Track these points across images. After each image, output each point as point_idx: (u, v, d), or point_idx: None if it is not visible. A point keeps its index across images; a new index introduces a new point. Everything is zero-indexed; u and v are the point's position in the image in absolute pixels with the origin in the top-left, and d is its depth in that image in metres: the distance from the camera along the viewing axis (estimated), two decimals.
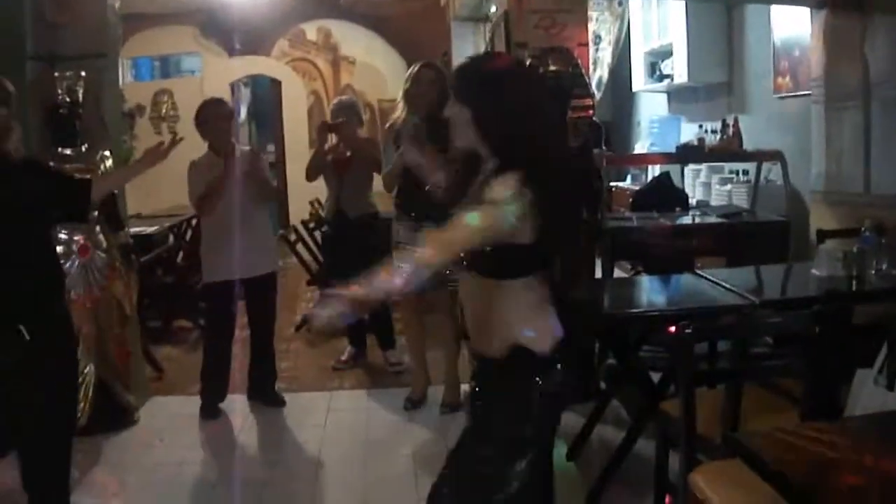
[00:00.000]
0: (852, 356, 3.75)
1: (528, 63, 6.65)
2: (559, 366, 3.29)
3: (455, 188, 3.37)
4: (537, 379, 3.24)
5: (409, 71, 6.53)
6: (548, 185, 3.08)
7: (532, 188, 3.02)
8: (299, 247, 10.35)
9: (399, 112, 6.47)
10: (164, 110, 14.66)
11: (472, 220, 3.02)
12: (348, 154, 7.53)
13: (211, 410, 6.81)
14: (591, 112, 6.83)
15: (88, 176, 4.48)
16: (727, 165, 8.65)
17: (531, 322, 3.24)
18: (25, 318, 3.96)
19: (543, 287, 3.28)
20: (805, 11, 7.05)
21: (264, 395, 6.99)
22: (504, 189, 3.01)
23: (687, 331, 3.70)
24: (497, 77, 3.23)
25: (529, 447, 3.29)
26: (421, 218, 6.01)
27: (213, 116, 6.55)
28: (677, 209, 7.89)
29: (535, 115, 3.22)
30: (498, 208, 2.99)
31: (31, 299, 4.04)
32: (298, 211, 12.37)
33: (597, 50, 10.30)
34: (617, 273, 7.53)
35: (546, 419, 3.37)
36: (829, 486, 2.41)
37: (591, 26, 9.70)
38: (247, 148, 7.01)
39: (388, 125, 6.67)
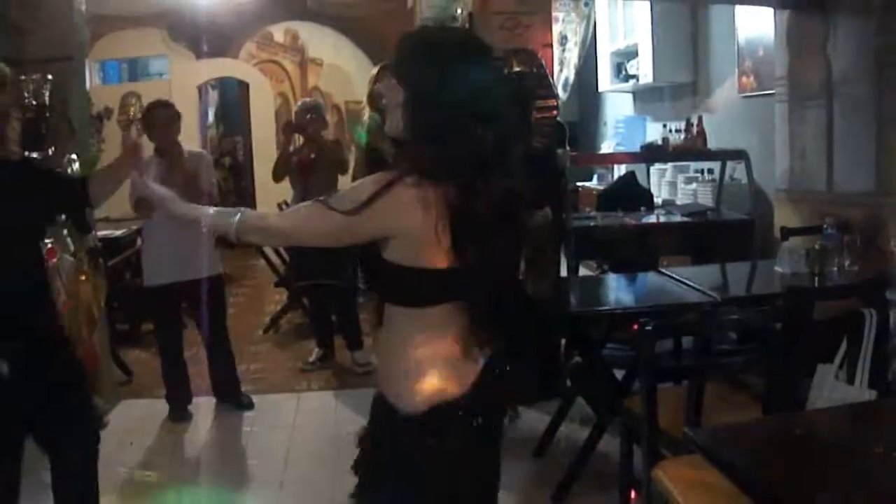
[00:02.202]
0: (814, 351, 3.79)
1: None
2: (477, 419, 2.74)
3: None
4: (447, 436, 2.71)
5: (371, 72, 6.57)
6: (474, 199, 2.58)
7: (452, 202, 2.56)
8: (267, 249, 10.35)
9: (365, 115, 6.51)
10: (132, 113, 14.58)
11: (305, 209, 2.77)
12: (312, 156, 7.55)
13: (179, 413, 6.82)
14: (555, 113, 6.86)
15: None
16: (692, 165, 8.70)
17: (442, 365, 2.71)
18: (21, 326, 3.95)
19: (462, 319, 2.71)
20: (769, 12, 7.10)
21: (229, 397, 7.00)
22: (360, 187, 2.65)
23: (648, 328, 3.74)
24: (443, 52, 2.73)
25: None
26: None
27: (159, 119, 6.56)
28: (642, 208, 7.93)
29: (484, 104, 2.66)
30: (335, 204, 2.63)
31: (27, 304, 4.00)
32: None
33: (563, 51, 10.33)
34: (582, 272, 7.57)
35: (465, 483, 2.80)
36: (790, 480, 2.44)
37: (558, 27, 9.74)
38: (194, 150, 6.98)
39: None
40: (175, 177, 6.30)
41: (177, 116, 6.71)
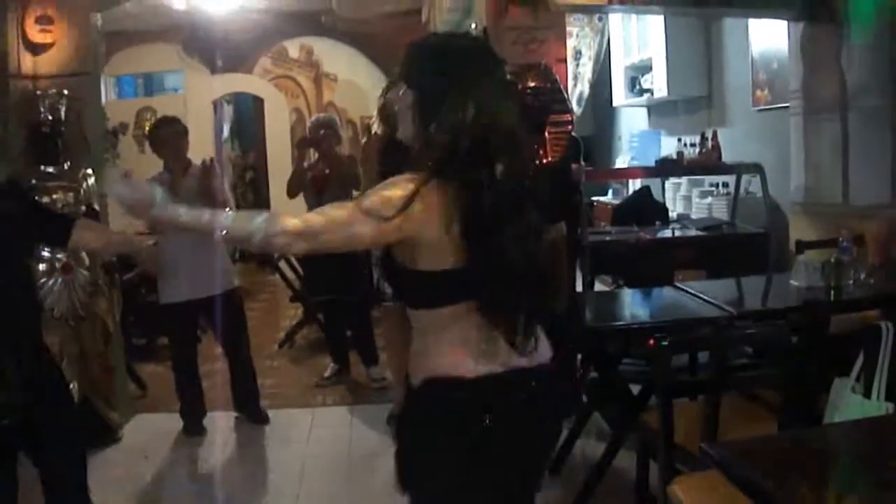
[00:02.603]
0: (830, 365, 3.77)
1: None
2: (485, 410, 2.79)
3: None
4: (453, 418, 2.81)
5: (384, 88, 6.56)
6: (483, 202, 2.65)
7: (461, 202, 2.64)
8: (282, 263, 10.36)
9: (375, 128, 6.51)
10: (147, 128, 14.60)
11: (340, 212, 2.72)
12: (327, 171, 7.56)
13: (193, 427, 6.84)
14: (569, 127, 6.86)
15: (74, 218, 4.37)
16: (707, 178, 8.67)
17: (449, 356, 2.80)
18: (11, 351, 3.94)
19: (473, 318, 2.77)
20: (782, 24, 7.08)
21: (248, 411, 7.01)
22: (392, 191, 2.67)
23: (663, 343, 3.72)
24: (454, 54, 2.86)
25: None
26: None
27: (165, 135, 6.58)
28: (657, 223, 7.91)
29: (491, 109, 2.74)
30: (370, 210, 2.65)
31: (15, 329, 4.00)
32: None
33: (577, 65, 10.31)
34: (598, 287, 7.55)
35: (472, 468, 2.82)
36: (807, 495, 2.43)
37: (572, 42, 9.72)
38: (202, 162, 7.00)
39: (364, 141, 6.69)
40: (187, 193, 6.32)
41: (184, 132, 6.73)
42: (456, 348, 2.79)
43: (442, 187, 2.64)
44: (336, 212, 2.74)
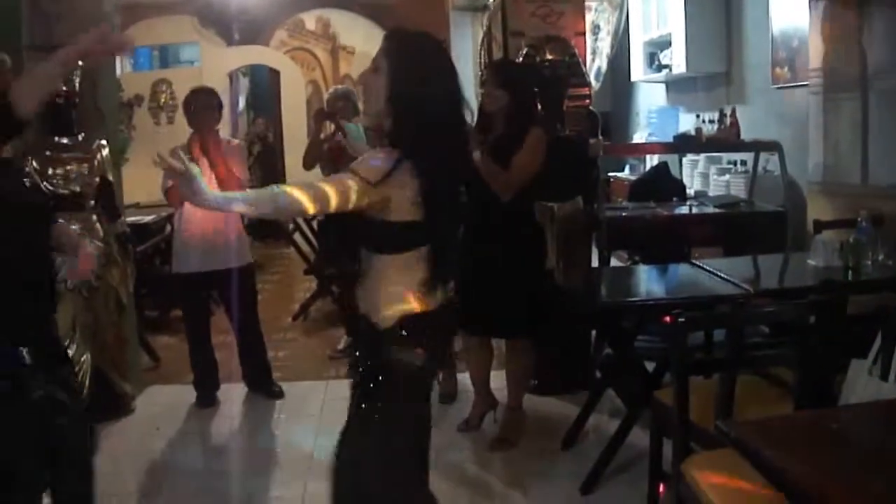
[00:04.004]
0: (847, 346, 3.75)
1: (524, 52, 6.66)
2: (418, 348, 3.37)
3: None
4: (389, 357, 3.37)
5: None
6: (435, 167, 3.24)
7: (418, 167, 3.19)
8: (296, 236, 10.36)
9: None
10: (162, 100, 14.60)
11: (325, 183, 3.19)
12: (343, 143, 7.53)
13: (206, 399, 6.84)
14: (587, 101, 6.83)
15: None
16: (725, 156, 8.63)
17: (381, 298, 3.37)
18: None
19: (421, 266, 3.34)
20: (803, 2, 7.03)
21: (260, 386, 7.00)
22: (370, 160, 3.23)
23: (680, 320, 3.70)
24: (428, 45, 3.45)
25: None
26: None
27: (201, 106, 6.57)
28: (675, 199, 7.87)
29: (447, 93, 3.36)
30: (351, 178, 3.15)
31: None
32: None
33: (595, 40, 10.29)
34: (614, 262, 7.52)
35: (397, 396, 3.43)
36: (823, 476, 2.40)
37: (590, 16, 9.69)
38: (230, 140, 6.97)
39: None
40: (212, 166, 6.33)
41: (218, 105, 6.72)
42: (413, 290, 3.33)
43: (410, 161, 3.20)
44: (337, 175, 3.28)
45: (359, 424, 3.53)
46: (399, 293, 3.34)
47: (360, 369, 3.49)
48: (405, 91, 3.27)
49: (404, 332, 3.34)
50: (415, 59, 3.35)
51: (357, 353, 3.57)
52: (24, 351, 3.59)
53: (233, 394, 6.97)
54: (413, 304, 3.34)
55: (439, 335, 3.57)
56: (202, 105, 6.60)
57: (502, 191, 5.35)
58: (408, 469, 3.59)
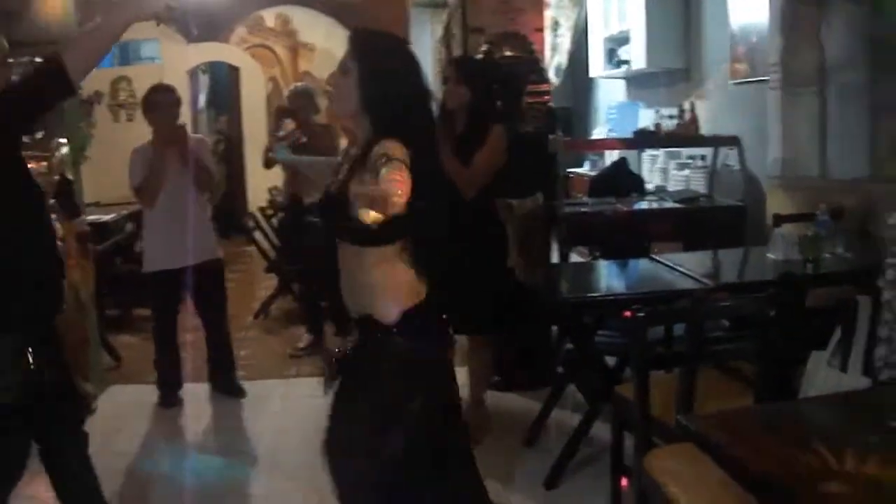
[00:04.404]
0: (807, 339, 3.77)
1: (483, 48, 6.67)
2: (403, 336, 3.35)
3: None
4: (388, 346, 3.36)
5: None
6: (422, 156, 3.20)
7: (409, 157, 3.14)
8: (257, 234, 10.33)
9: None
10: (122, 97, 14.49)
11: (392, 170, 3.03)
12: (304, 140, 7.52)
13: (168, 399, 6.82)
14: (546, 98, 6.85)
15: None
16: (684, 151, 8.65)
17: (380, 293, 3.36)
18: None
19: (405, 257, 3.35)
20: None
21: (223, 384, 6.98)
22: (395, 147, 3.11)
23: (640, 315, 3.71)
24: (395, 44, 3.52)
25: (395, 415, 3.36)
26: None
27: (158, 103, 6.54)
28: (634, 194, 7.89)
29: (418, 88, 3.43)
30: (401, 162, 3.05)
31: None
32: (256, 198, 12.37)
33: (555, 36, 10.29)
34: (574, 258, 7.54)
35: (405, 387, 3.38)
36: (782, 468, 2.42)
37: (550, 12, 9.70)
38: (192, 135, 6.97)
39: None
40: (182, 162, 6.33)
41: (178, 101, 6.71)
42: (404, 281, 3.35)
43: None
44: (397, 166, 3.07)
45: (388, 423, 3.39)
46: (399, 284, 3.35)
47: (364, 368, 3.46)
48: (379, 91, 3.31)
49: (414, 323, 3.35)
50: (384, 58, 3.39)
51: (356, 353, 3.51)
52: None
53: (195, 393, 6.96)
54: (414, 295, 3.37)
55: (441, 319, 3.55)
56: (163, 102, 6.57)
57: (465, 188, 5.36)
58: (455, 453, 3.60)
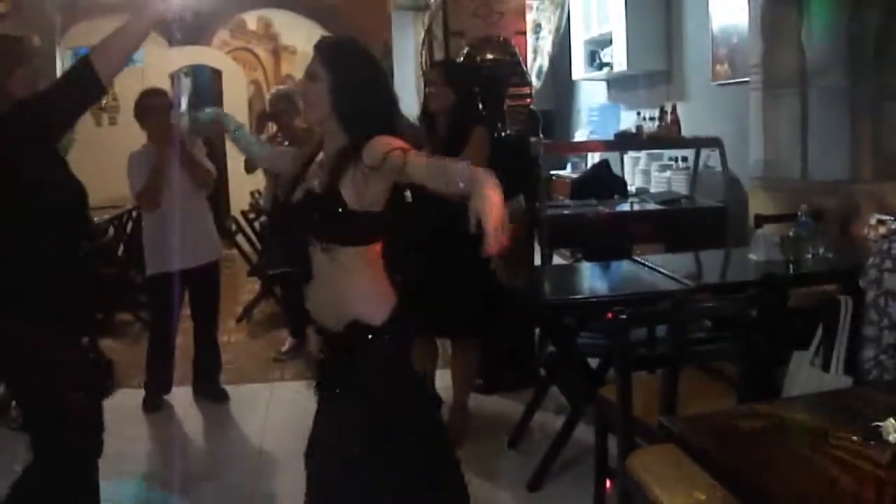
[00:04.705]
0: (789, 339, 3.78)
1: (465, 51, 6.67)
2: (389, 336, 3.40)
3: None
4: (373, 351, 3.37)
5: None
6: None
7: None
8: (239, 237, 10.31)
9: None
10: (105, 101, 14.46)
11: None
12: (286, 144, 7.52)
13: (154, 403, 6.80)
14: (528, 101, 6.85)
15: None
16: (666, 153, 8.68)
17: (367, 295, 3.39)
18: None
19: (380, 258, 3.43)
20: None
21: (208, 387, 6.96)
22: (391, 139, 3.18)
23: (622, 316, 3.72)
24: (360, 50, 3.50)
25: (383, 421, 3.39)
26: None
27: (152, 107, 6.55)
28: (616, 196, 7.90)
29: (388, 95, 3.52)
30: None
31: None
32: (239, 201, 12.36)
33: (537, 39, 10.29)
34: (556, 260, 7.55)
35: (390, 392, 3.46)
36: (765, 468, 2.42)
37: (532, 15, 9.70)
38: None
39: None
40: (185, 164, 6.36)
41: (171, 104, 6.73)
42: (368, 292, 3.39)
43: None
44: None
45: (379, 422, 3.42)
46: (382, 285, 3.43)
47: (351, 371, 3.46)
48: (352, 98, 3.35)
49: (396, 323, 3.41)
50: (351, 63, 3.43)
51: (340, 359, 3.49)
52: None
53: (178, 397, 6.94)
54: (392, 295, 3.44)
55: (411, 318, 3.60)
56: (158, 106, 6.59)
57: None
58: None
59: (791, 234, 5.38)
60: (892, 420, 2.50)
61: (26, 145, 3.60)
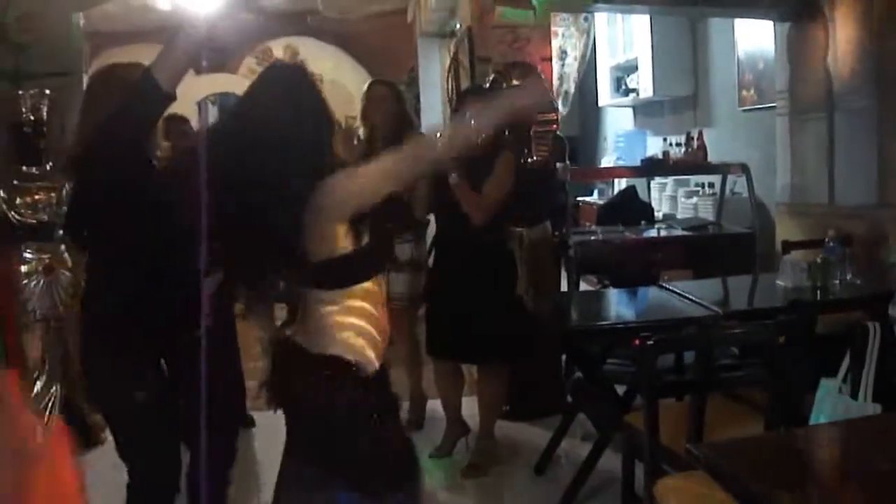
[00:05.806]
0: (816, 365, 3.76)
1: (491, 77, 6.68)
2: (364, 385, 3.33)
3: None
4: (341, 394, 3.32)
5: (362, 88, 6.63)
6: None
7: None
8: None
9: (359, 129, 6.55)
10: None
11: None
12: None
13: None
14: (555, 127, 6.84)
15: None
16: (693, 178, 8.66)
17: (342, 337, 3.33)
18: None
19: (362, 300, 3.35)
20: (769, 25, 7.08)
21: None
22: None
23: (649, 343, 3.70)
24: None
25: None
26: None
27: (175, 134, 6.58)
28: (643, 223, 7.90)
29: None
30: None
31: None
32: None
33: (563, 65, 10.31)
34: (583, 287, 7.53)
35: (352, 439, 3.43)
36: (793, 496, 2.40)
37: (557, 41, 9.72)
38: None
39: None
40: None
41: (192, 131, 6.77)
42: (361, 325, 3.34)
43: None
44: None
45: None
46: (362, 328, 3.36)
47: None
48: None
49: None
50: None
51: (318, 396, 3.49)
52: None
53: None
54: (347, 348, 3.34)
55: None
56: (181, 133, 6.64)
57: (478, 214, 5.34)
58: None
59: (819, 259, 5.34)
60: None
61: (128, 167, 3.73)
